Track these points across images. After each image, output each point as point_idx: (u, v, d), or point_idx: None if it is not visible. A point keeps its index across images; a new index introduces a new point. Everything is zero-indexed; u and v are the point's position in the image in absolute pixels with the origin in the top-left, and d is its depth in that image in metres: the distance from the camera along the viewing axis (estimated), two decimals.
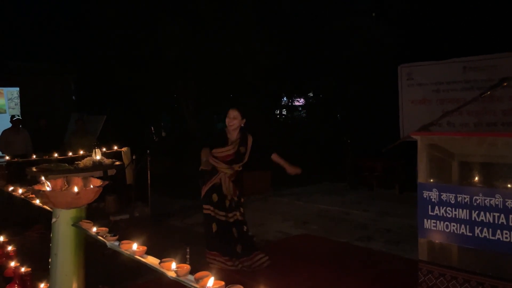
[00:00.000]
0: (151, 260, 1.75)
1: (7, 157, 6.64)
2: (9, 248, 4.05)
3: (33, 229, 5.41)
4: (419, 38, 9.37)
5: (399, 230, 5.44)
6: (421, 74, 6.47)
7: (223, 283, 1.49)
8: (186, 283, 1.57)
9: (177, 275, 1.59)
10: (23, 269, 3.52)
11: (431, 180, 2.77)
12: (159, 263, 1.69)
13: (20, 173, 6.19)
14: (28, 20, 14.63)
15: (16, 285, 3.50)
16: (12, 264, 3.75)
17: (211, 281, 1.51)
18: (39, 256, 3.93)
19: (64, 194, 2.19)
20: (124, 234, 1.94)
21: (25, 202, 3.06)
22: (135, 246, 1.81)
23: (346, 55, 10.28)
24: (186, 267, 1.61)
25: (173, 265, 1.64)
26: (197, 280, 1.53)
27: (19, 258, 3.87)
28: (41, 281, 3.32)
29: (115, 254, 1.96)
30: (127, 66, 10.05)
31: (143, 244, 1.85)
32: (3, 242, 4.33)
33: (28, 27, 14.28)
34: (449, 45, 8.57)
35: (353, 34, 10.00)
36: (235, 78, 10.30)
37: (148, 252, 1.83)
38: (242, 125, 4.17)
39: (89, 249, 2.35)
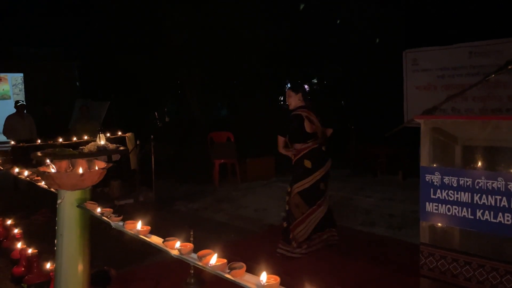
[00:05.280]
0: (155, 240, 1.77)
1: (12, 142, 6.68)
2: (16, 230, 4.11)
3: (39, 213, 5.47)
4: (425, 23, 9.26)
5: (402, 215, 5.46)
6: (426, 59, 6.40)
7: (225, 260, 1.51)
8: (189, 261, 1.60)
9: (180, 253, 1.62)
10: (29, 251, 3.58)
11: (434, 164, 2.77)
12: (163, 242, 1.71)
13: (25, 158, 6.24)
14: (32, 6, 14.58)
15: (22, 266, 3.57)
16: (19, 245, 3.81)
17: (214, 258, 1.53)
18: (45, 238, 3.99)
19: (69, 176, 2.21)
20: (128, 218, 1.95)
21: (31, 186, 3.09)
22: (139, 225, 1.84)
23: (351, 41, 10.19)
24: (189, 245, 1.64)
25: (177, 244, 1.66)
26: (200, 258, 1.55)
27: (26, 240, 3.94)
28: (48, 262, 3.38)
29: (121, 236, 1.99)
30: (131, 52, 10.02)
31: (147, 226, 1.87)
32: (10, 225, 4.39)
33: (32, 13, 14.24)
34: (454, 30, 8.46)
35: (358, 19, 9.89)
36: (239, 64, 10.24)
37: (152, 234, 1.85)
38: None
39: (95, 231, 2.38)
